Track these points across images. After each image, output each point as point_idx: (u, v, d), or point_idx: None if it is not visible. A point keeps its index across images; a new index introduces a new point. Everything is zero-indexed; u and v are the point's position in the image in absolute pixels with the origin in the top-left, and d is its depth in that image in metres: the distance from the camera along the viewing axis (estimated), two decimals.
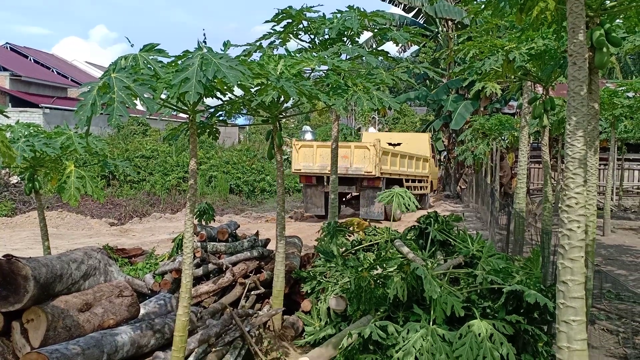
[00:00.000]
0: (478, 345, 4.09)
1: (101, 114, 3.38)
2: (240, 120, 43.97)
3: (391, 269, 5.36)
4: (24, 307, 3.67)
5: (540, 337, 4.46)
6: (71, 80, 37.62)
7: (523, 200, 9.26)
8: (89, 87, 3.28)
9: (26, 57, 37.56)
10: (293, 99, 4.74)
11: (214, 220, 7.70)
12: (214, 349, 4.55)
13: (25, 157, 5.59)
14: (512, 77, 7.60)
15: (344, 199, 16.17)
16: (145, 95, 3.31)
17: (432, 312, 4.45)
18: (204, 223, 7.35)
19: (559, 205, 3.44)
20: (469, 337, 4.20)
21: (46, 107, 27.43)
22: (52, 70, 37.35)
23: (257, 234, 7.15)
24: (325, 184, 14.77)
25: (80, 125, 3.13)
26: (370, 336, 4.46)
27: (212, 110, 5.38)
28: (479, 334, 4.21)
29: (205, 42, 3.78)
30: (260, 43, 7.29)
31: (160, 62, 3.63)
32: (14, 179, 17.55)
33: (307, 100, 4.28)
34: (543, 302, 4.16)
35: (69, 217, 13.80)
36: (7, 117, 5.27)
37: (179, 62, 3.51)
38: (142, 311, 4.58)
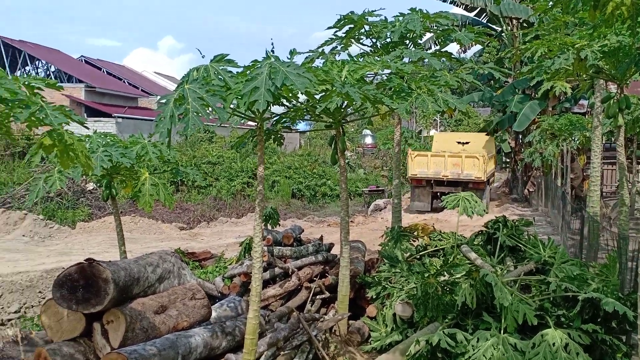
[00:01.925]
0: (552, 355, 3.95)
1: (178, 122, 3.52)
2: (301, 126, 44.45)
3: (459, 276, 5.27)
4: (104, 309, 3.87)
5: (619, 348, 4.26)
6: (141, 90, 39.30)
7: (597, 204, 8.84)
8: (165, 99, 3.43)
9: (99, 69, 39.57)
10: (356, 103, 4.76)
11: (279, 225, 7.84)
12: (282, 352, 4.63)
13: (103, 167, 5.89)
14: (584, 75, 7.29)
15: (438, 194, 18.49)
16: (217, 105, 3.43)
17: (502, 320, 4.34)
18: (269, 227, 7.49)
19: (637, 208, 3.27)
20: (542, 346, 4.06)
21: (119, 117, 28.78)
22: (124, 81, 39.16)
23: (321, 238, 7.21)
24: (432, 185, 18.16)
25: (162, 137, 3.27)
26: (438, 344, 4.39)
27: (276, 117, 5.49)
28: (554, 344, 4.06)
29: (273, 51, 3.85)
30: (323, 49, 7.35)
31: (230, 72, 3.75)
32: (90, 186, 18.50)
33: (371, 105, 4.28)
34: (622, 310, 3.98)
35: (142, 222, 14.41)
36: (87, 128, 5.58)
37: (248, 71, 3.59)
38: (213, 314, 4.72)
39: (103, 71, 39.42)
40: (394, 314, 5.71)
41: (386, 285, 6.06)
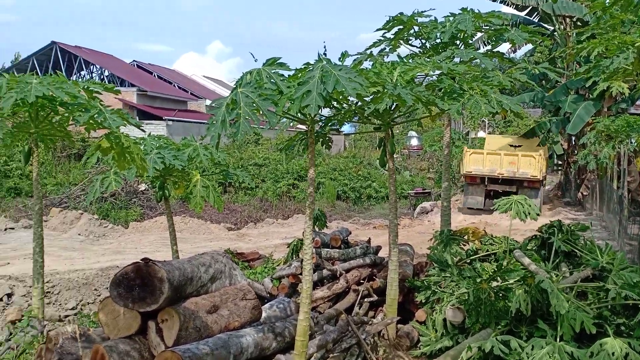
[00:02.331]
0: None
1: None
2: (346, 128, 44.40)
3: (512, 281, 5.13)
4: (159, 307, 3.96)
5: None
6: (190, 93, 40.22)
7: None
8: (218, 103, 3.49)
9: (151, 73, 40.72)
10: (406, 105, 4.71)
11: (326, 227, 7.84)
12: (331, 355, 4.63)
13: (156, 169, 6.05)
14: None
15: (491, 193, 18.70)
16: (268, 109, 3.46)
17: (558, 328, 4.20)
18: (316, 229, 7.51)
19: None
20: (601, 355, 3.92)
21: (169, 120, 29.53)
22: (174, 85, 40.16)
23: (368, 241, 7.17)
24: (487, 183, 18.31)
25: (213, 141, 3.33)
26: (491, 351, 4.30)
27: (324, 119, 5.50)
28: (613, 353, 3.91)
29: (325, 54, 3.86)
30: (371, 51, 7.33)
31: (282, 75, 3.78)
32: (142, 187, 19.04)
33: (423, 106, 4.23)
34: None
35: (191, 222, 14.72)
36: (144, 131, 5.76)
37: (301, 74, 3.61)
38: (263, 314, 4.77)
39: (154, 75, 40.53)
40: (444, 319, 5.62)
41: (436, 290, 5.96)
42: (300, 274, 6.33)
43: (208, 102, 40.51)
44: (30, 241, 12.00)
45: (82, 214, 14.54)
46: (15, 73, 5.06)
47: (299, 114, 4.10)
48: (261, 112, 3.42)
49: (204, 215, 17.04)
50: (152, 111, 31.00)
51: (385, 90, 3.98)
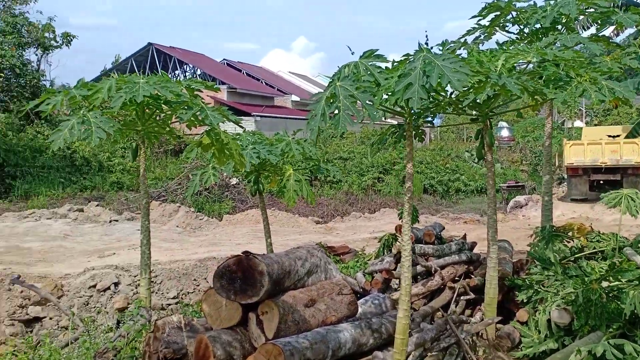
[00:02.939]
0: None
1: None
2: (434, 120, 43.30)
3: (624, 281, 4.76)
4: (260, 300, 4.03)
5: None
6: (277, 89, 41.04)
7: None
8: (317, 97, 3.47)
9: (240, 70, 41.97)
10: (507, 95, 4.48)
11: (418, 222, 7.69)
12: (430, 354, 4.51)
13: (252, 163, 6.19)
14: None
15: (594, 183, 18.58)
16: (367, 102, 3.40)
17: None
18: (397, 225, 7.37)
19: None
20: None
21: (257, 116, 30.31)
22: (261, 82, 41.15)
23: (464, 237, 6.94)
24: (590, 173, 18.24)
25: (313, 134, 3.31)
26: (603, 355, 4.02)
27: (418, 111, 5.35)
28: None
29: (427, 44, 3.73)
30: (465, 39, 7.07)
31: (379, 67, 3.70)
32: (234, 181, 19.69)
33: (529, 96, 3.99)
34: None
35: (280, 215, 15.01)
36: (242, 127, 5.90)
37: (400, 66, 3.52)
38: (358, 310, 4.73)
39: (243, 73, 41.74)
40: (549, 320, 5.31)
41: (539, 289, 5.66)
42: (394, 269, 6.25)
43: (294, 97, 41.18)
44: (132, 232, 12.77)
45: (179, 207, 15.26)
46: (116, 74, 5.36)
47: (395, 106, 3.99)
48: (360, 105, 3.36)
49: (291, 209, 17.36)
50: (241, 108, 31.94)
51: (489, 79, 3.79)
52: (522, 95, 4.22)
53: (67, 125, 4.04)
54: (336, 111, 3.33)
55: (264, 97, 37.77)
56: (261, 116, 30.80)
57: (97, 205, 15.95)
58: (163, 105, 4.73)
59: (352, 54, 3.91)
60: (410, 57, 3.46)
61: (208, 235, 12.77)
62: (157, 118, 5.03)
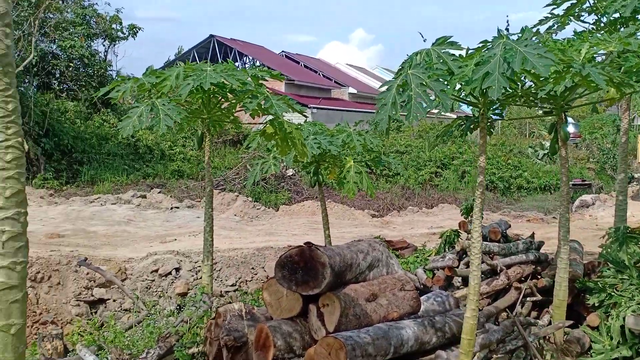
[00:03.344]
0: None
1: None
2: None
3: None
4: (321, 292, 3.96)
5: None
6: (334, 82, 40.92)
7: None
8: (387, 86, 3.35)
9: (298, 62, 42.12)
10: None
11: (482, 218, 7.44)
12: (495, 356, 4.33)
13: (312, 154, 6.13)
14: None
15: None
16: (441, 91, 3.25)
17: None
18: (467, 220, 7.14)
19: None
20: None
21: (314, 107, 30.33)
22: (319, 74, 41.15)
23: (532, 235, 6.64)
24: None
25: (382, 124, 3.20)
26: None
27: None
28: None
29: (507, 29, 3.53)
30: (537, 29, 6.75)
31: (453, 55, 3.54)
32: (290, 172, 19.80)
33: (615, 88, 3.72)
34: None
35: (336, 208, 14.95)
36: (306, 117, 5.85)
37: (476, 54, 3.34)
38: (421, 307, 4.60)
39: (301, 65, 41.87)
40: (622, 326, 5.00)
41: (612, 293, 5.33)
42: (457, 267, 6.06)
43: (351, 89, 40.96)
44: (192, 220, 13.04)
45: (237, 196, 15.48)
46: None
47: (468, 97, 3.82)
48: (433, 95, 3.22)
49: (347, 201, 17.26)
50: (298, 99, 32.03)
51: (570, 69, 3.55)
52: (605, 88, 3.94)
53: (136, 112, 4.09)
54: (407, 100, 3.19)
55: (321, 89, 37.76)
56: (318, 108, 30.80)
57: (159, 192, 16.41)
58: (228, 94, 4.73)
59: (425, 40, 3.77)
60: (488, 44, 3.27)
61: (265, 225, 12.88)
62: (222, 107, 5.04)
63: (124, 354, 3.97)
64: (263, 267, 8.23)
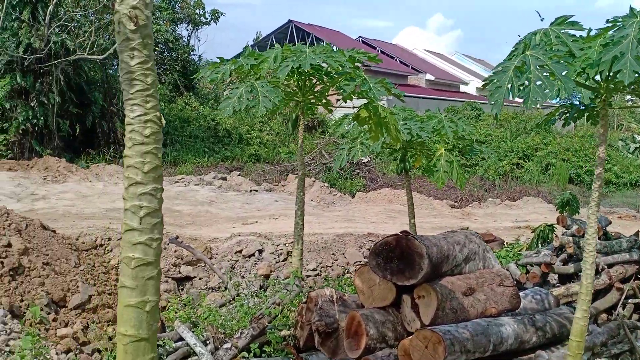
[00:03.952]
0: None
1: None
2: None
3: None
4: (417, 283, 3.83)
5: None
6: (411, 68, 40.17)
7: None
8: (502, 67, 3.14)
9: (374, 48, 41.59)
10: None
11: (578, 214, 7.02)
12: (597, 359, 4.05)
13: (403, 140, 5.96)
14: None
15: None
16: (563, 74, 3.00)
17: None
18: (565, 215, 6.73)
19: None
20: None
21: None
22: (396, 60, 40.51)
23: (637, 234, 6.18)
24: None
25: (497, 108, 3.00)
26: None
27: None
28: None
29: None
30: None
31: (573, 36, 3.27)
32: (365, 159, 19.62)
33: None
34: None
35: (414, 197, 14.65)
36: (403, 101, 5.69)
37: (603, 35, 3.06)
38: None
39: (377, 50, 41.31)
40: None
41: None
42: (553, 263, 5.73)
43: (429, 76, 40.06)
44: (270, 203, 13.20)
45: (314, 181, 15.53)
46: (257, 50, 5.37)
47: (587, 81, 3.52)
48: (555, 78, 2.97)
49: (423, 190, 16.90)
50: None
51: None
52: None
53: (236, 93, 4.09)
54: (526, 83, 2.97)
55: (398, 75, 37.15)
56: (393, 95, 30.32)
57: (239, 175, 16.75)
58: (324, 77, 4.65)
59: (542, 20, 3.49)
60: (618, 23, 2.98)
61: (341, 211, 12.83)
62: (315, 90, 4.98)
63: (219, 332, 4.03)
64: (343, 254, 8.17)
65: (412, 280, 3.82)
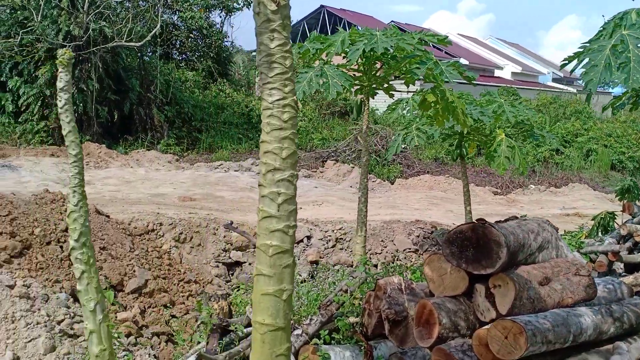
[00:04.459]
0: None
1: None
2: (617, 89, 38.59)
3: None
4: (494, 272, 3.73)
5: None
6: (445, 52, 39.49)
7: None
8: (597, 45, 3.00)
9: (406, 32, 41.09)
10: None
11: (639, 200, 6.79)
12: None
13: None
14: None
15: None
16: None
17: None
18: (624, 202, 6.53)
19: None
20: None
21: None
22: (429, 44, 39.88)
23: None
24: None
25: (593, 86, 2.86)
26: None
27: None
28: None
29: None
30: None
31: None
32: (403, 145, 19.43)
33: None
34: None
35: (455, 183, 14.46)
36: (474, 85, 5.55)
37: None
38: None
39: None
40: None
41: None
42: (620, 252, 5.55)
43: (463, 61, 39.32)
44: (310, 189, 13.15)
45: (352, 167, 15.43)
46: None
47: None
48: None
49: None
50: None
51: None
52: None
53: (306, 77, 4.03)
54: (625, 62, 2.82)
55: None
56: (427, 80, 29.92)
57: None
58: (389, 60, 4.54)
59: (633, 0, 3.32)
60: None
61: (382, 198, 12.73)
62: (378, 74, 4.87)
63: None
64: (392, 240, 8.10)
65: (489, 269, 3.72)
